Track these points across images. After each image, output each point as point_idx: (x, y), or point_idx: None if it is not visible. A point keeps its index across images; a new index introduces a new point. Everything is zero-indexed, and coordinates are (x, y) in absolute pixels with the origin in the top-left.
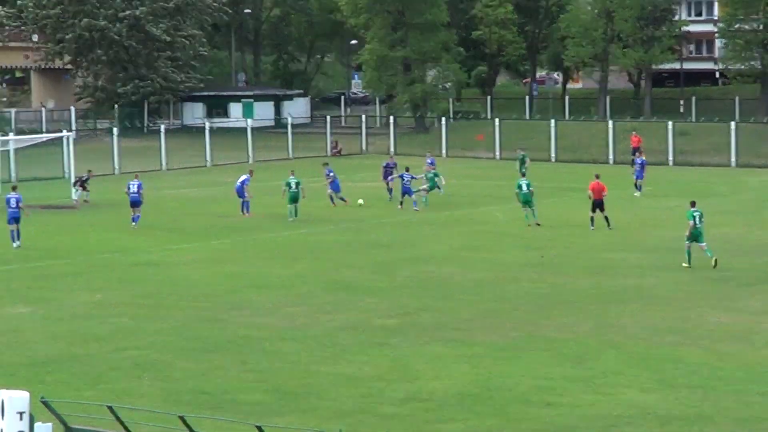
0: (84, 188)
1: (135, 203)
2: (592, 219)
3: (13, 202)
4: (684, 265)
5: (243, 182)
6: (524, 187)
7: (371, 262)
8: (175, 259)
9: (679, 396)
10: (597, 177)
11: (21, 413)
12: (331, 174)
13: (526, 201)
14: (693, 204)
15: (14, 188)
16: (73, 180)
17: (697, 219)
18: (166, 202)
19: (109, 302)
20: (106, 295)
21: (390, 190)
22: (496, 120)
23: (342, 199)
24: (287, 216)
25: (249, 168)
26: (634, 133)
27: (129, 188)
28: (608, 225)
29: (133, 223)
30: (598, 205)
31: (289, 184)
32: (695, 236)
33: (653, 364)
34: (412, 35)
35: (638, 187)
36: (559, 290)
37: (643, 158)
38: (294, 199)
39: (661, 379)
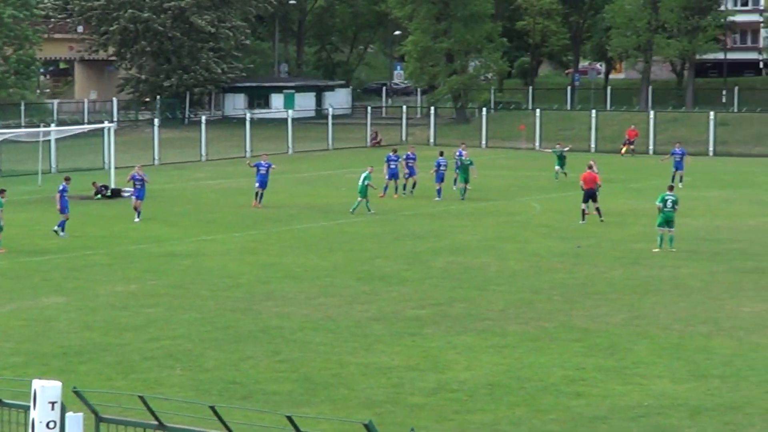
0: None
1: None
2: (583, 212)
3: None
4: (654, 250)
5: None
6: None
7: (405, 252)
8: (210, 250)
9: (710, 386)
10: (590, 167)
11: (53, 403)
12: (394, 163)
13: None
14: (670, 189)
15: (67, 179)
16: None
17: (669, 203)
18: (203, 193)
19: (143, 292)
20: (140, 286)
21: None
22: (537, 110)
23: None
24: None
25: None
26: (632, 126)
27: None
28: (600, 217)
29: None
30: (590, 195)
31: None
32: (666, 221)
33: (685, 355)
34: (455, 26)
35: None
36: (592, 281)
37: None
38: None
39: (693, 369)
